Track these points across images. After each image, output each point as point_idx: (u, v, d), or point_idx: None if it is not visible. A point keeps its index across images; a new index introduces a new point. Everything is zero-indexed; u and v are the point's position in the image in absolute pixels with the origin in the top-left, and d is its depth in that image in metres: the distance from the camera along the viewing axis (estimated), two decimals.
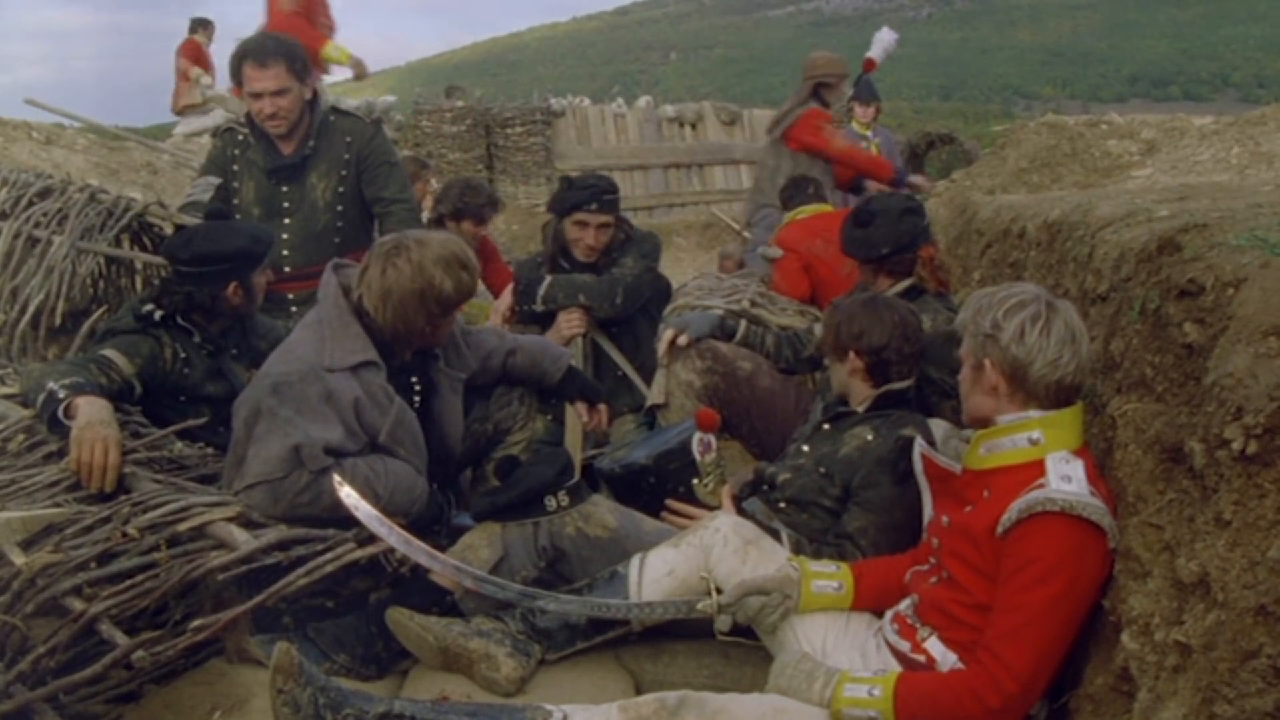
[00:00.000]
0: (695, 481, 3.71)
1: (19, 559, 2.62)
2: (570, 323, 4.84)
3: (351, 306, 3.29)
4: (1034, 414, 2.59)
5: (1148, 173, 9.64)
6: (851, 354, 3.41)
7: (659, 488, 3.78)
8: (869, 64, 9.78)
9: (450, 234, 3.41)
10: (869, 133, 9.59)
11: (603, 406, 4.03)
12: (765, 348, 4.61)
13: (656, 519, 3.53)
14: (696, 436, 3.75)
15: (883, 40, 9.89)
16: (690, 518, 3.50)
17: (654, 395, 4.53)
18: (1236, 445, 1.92)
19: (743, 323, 4.70)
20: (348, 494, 2.93)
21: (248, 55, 4.50)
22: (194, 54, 13.67)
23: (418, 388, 3.49)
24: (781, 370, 4.59)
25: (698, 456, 3.74)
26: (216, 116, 12.15)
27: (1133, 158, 10.31)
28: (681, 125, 16.32)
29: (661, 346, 4.51)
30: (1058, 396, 2.60)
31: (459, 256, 3.32)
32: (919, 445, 2.92)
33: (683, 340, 4.44)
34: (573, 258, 4.91)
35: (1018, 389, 2.59)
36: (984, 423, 2.68)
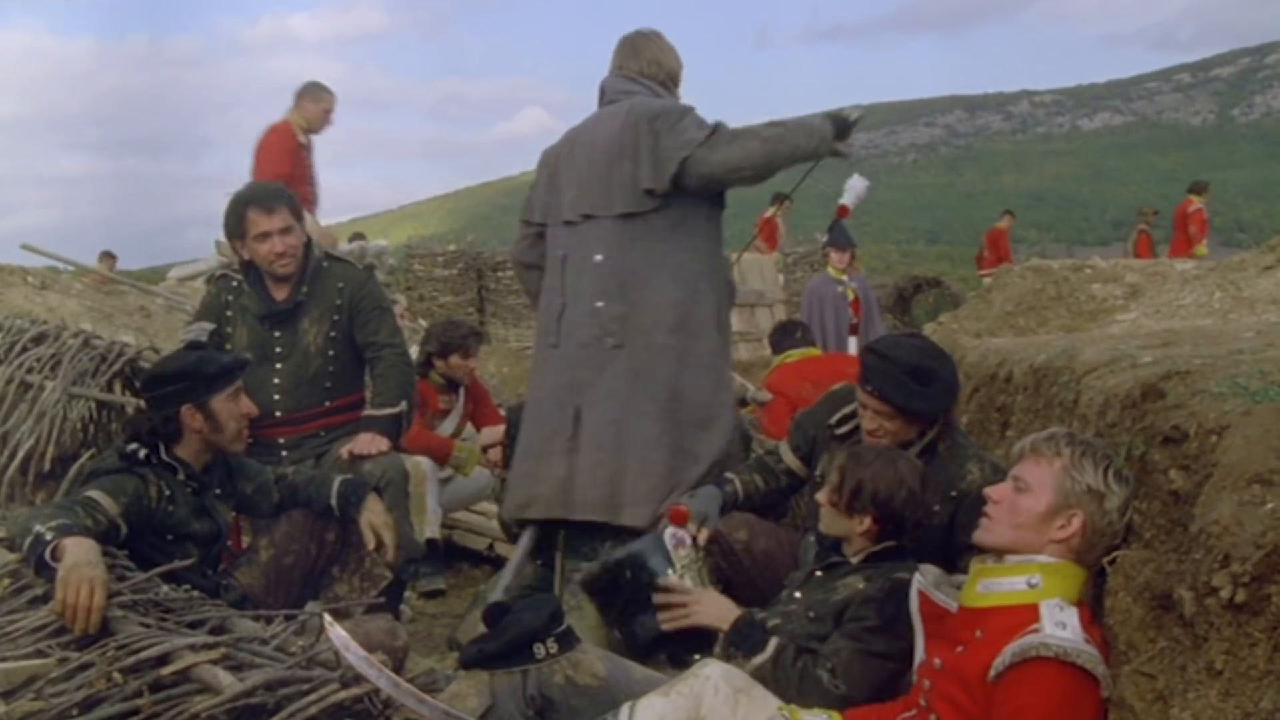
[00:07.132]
0: (669, 575, 3.67)
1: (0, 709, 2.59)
2: None
3: None
4: (1041, 559, 2.58)
5: (1132, 316, 9.78)
6: (869, 519, 3.36)
7: (635, 581, 3.73)
8: (842, 210, 10.00)
9: None
10: (845, 277, 9.74)
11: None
12: (760, 491, 4.44)
13: (638, 615, 3.54)
14: (669, 532, 3.72)
15: (854, 188, 10.12)
16: (685, 592, 3.58)
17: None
18: (1225, 593, 1.93)
19: (736, 482, 4.36)
20: (337, 634, 2.90)
21: (253, 202, 4.55)
22: (769, 231, 15.07)
23: None
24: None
25: (670, 550, 3.70)
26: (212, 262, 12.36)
27: (1117, 301, 10.48)
28: None
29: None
30: (1095, 563, 2.62)
31: None
32: (917, 581, 2.91)
33: (704, 537, 4.03)
34: None
35: (1086, 549, 2.59)
36: (999, 554, 2.68)
